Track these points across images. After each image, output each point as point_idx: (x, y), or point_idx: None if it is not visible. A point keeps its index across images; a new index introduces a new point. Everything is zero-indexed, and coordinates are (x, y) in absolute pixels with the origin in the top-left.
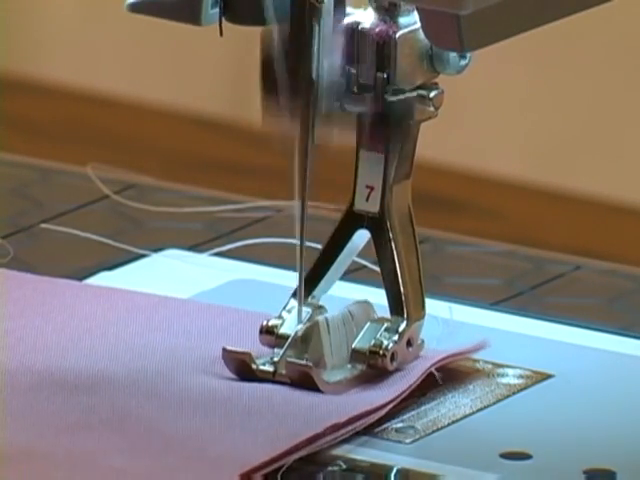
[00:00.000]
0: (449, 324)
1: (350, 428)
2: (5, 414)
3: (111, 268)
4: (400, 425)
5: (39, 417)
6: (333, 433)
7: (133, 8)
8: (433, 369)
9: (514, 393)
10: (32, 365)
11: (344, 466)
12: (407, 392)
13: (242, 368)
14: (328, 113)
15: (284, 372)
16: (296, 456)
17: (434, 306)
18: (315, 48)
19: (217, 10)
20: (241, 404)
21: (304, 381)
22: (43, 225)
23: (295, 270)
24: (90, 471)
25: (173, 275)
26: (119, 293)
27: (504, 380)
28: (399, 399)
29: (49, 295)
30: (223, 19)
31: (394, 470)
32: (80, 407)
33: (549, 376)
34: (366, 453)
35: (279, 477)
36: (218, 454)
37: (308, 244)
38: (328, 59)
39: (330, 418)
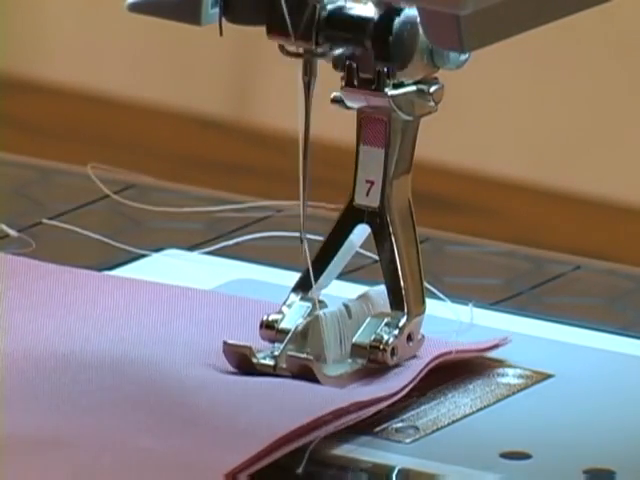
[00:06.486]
0: (469, 325)
1: (372, 409)
2: (31, 397)
3: (111, 268)
4: (400, 425)
5: (65, 398)
6: (357, 411)
7: (133, 8)
8: (451, 354)
9: (514, 393)
10: (55, 350)
11: (344, 466)
12: (417, 381)
13: (243, 362)
14: None
15: (284, 366)
16: (322, 433)
17: (451, 307)
18: None
19: (217, 10)
20: (265, 382)
21: (305, 375)
22: (43, 225)
23: (295, 270)
24: (118, 452)
25: (173, 275)
26: (141, 284)
27: (504, 380)
28: (414, 383)
29: (71, 286)
30: (223, 19)
31: (394, 470)
32: (105, 385)
33: (549, 376)
34: (366, 453)
35: (307, 454)
36: (244, 426)
37: (308, 236)
38: None
39: (354, 397)
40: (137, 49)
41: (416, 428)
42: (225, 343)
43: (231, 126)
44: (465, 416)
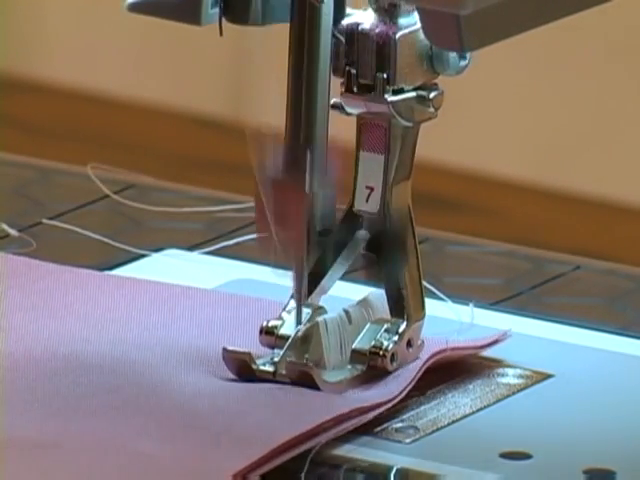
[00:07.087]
0: (470, 325)
1: (375, 413)
2: (31, 399)
3: (111, 268)
4: (400, 425)
5: (65, 401)
6: (358, 416)
7: (133, 8)
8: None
9: (514, 393)
10: (56, 351)
11: (344, 466)
12: (415, 381)
13: (243, 368)
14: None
15: (284, 372)
16: (323, 439)
17: (453, 307)
18: (308, 179)
19: (217, 10)
20: (264, 387)
21: (304, 381)
22: (43, 225)
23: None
24: (118, 456)
25: (173, 275)
26: (142, 284)
27: (504, 380)
28: (411, 386)
29: (72, 286)
30: (223, 19)
31: (394, 470)
32: (106, 388)
33: (549, 376)
34: (366, 453)
35: (308, 459)
36: (246, 430)
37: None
38: (322, 189)
39: (354, 403)
40: (137, 49)
41: (416, 428)
42: (225, 350)
43: (231, 126)
44: (465, 416)
